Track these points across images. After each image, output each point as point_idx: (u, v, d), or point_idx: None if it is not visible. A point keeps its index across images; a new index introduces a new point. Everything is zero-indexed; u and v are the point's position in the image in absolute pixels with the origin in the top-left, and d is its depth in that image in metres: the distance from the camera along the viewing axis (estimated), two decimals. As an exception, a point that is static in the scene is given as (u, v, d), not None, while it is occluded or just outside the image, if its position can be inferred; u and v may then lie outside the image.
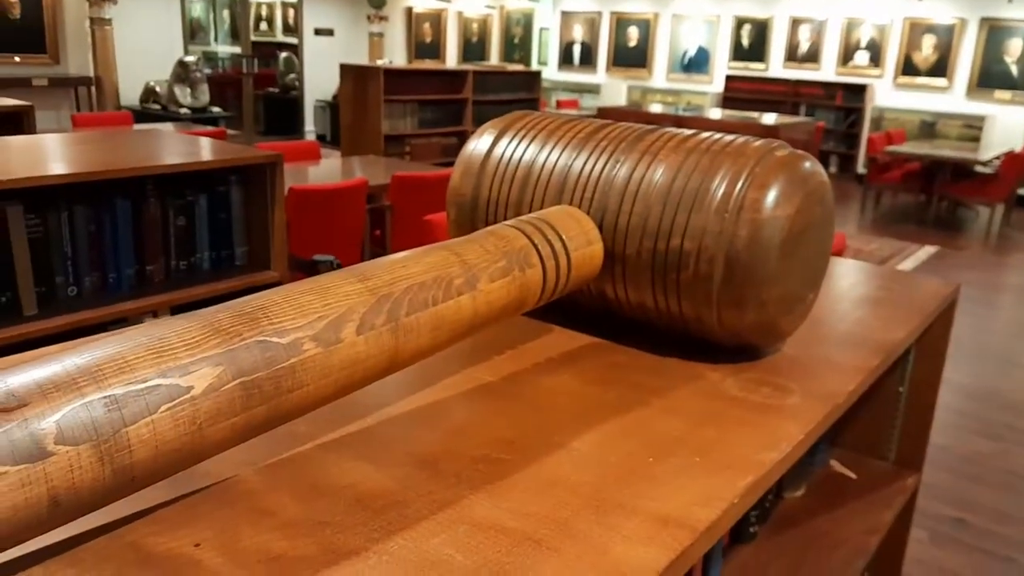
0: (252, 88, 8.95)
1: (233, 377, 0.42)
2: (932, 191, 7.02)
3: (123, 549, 0.41)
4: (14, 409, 0.36)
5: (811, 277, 0.71)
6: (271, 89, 10.18)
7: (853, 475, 1.11)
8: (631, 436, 0.56)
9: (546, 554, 0.42)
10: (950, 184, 6.99)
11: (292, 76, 10.03)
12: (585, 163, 0.72)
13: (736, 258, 0.63)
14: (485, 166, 0.77)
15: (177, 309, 1.74)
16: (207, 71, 8.40)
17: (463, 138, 7.24)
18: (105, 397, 0.38)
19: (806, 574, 0.91)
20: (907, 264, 5.87)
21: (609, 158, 0.71)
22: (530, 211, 0.73)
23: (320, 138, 9.94)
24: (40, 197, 1.51)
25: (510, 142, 0.77)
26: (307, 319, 0.46)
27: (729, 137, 0.69)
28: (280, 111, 10.19)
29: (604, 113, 7.28)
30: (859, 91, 8.85)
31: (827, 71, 9.00)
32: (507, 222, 0.64)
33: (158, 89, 7.94)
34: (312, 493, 0.47)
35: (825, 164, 8.45)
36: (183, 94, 8.11)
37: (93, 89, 7.39)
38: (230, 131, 7.15)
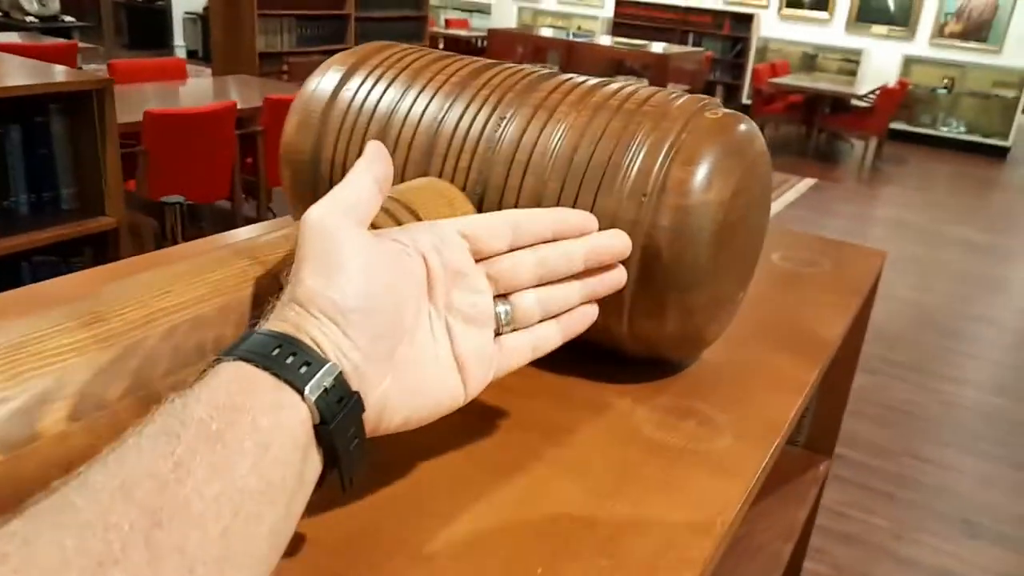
0: (109, -5, 8.13)
1: None
2: (812, 123, 7.16)
3: None
4: None
5: (744, 272, 0.56)
6: (133, -3, 9.29)
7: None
8: (518, 522, 0.40)
9: None
10: (829, 117, 7.14)
11: (155, -17, 9.17)
12: (461, 118, 0.54)
13: (655, 256, 0.47)
14: (328, 115, 0.58)
15: (-14, 264, 1.46)
16: (54, -26, 7.53)
17: (345, 58, 6.78)
18: None
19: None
20: (789, 196, 5.99)
21: (493, 112, 0.53)
22: (386, 181, 0.55)
23: (191, 54, 9.18)
24: None
25: (362, 83, 0.58)
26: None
27: (647, 90, 0.52)
28: (146, 23, 9.33)
29: (493, 35, 7.01)
30: (746, 20, 8.88)
31: (716, -1, 8.96)
32: (347, 206, 0.46)
33: (-5, -7, 7.08)
34: None
35: (712, 94, 8.48)
36: (28, 1, 7.28)
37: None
38: (85, 44, 6.45)
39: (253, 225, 0.85)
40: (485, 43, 7.63)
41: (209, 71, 6.19)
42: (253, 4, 6.12)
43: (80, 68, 4.35)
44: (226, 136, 3.48)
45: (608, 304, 0.49)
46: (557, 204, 0.49)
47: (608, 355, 0.56)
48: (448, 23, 9.54)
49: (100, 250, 1.56)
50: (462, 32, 9.09)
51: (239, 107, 3.53)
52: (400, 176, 0.55)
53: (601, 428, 0.49)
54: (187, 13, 9.10)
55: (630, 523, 0.40)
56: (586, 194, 0.48)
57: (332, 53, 0.65)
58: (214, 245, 0.75)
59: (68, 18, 7.43)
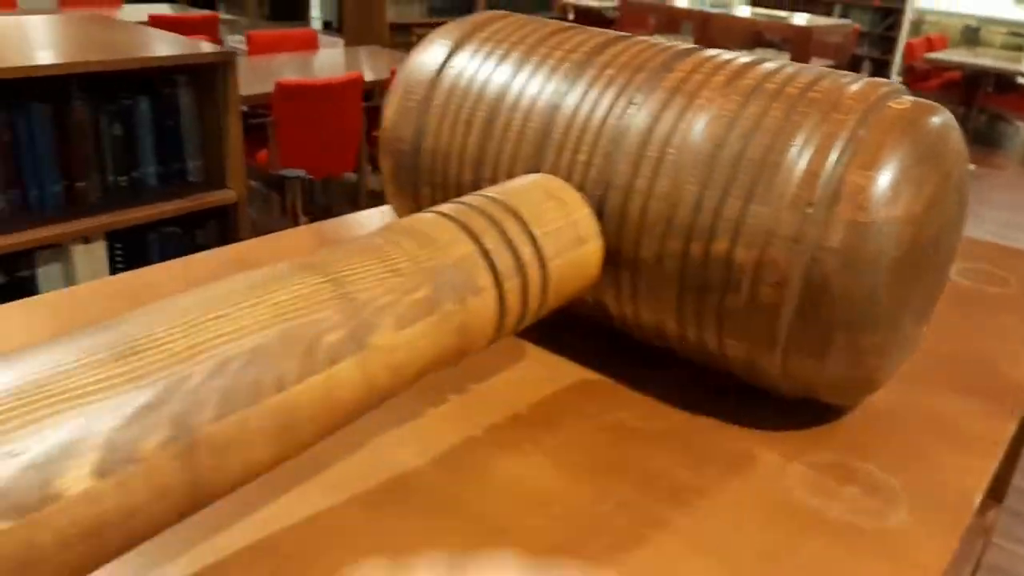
0: (252, -31, 8.44)
1: None
2: (972, 103, 6.57)
3: None
4: None
5: (929, 303, 0.46)
6: (273, -30, 9.61)
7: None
8: (631, 607, 0.32)
9: None
10: (992, 96, 6.54)
11: (295, -44, 9.45)
12: (581, 102, 0.46)
13: (822, 285, 0.38)
14: (431, 98, 0.51)
15: (116, 233, 1.50)
16: (201, -51, 7.87)
17: (474, 30, 6.75)
18: None
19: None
20: (940, 181, 5.51)
21: (619, 95, 0.45)
22: (493, 176, 0.48)
23: (326, 25, 9.45)
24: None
25: (470, 60, 0.51)
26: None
27: (813, 72, 0.42)
28: (285, -6, 9.64)
29: (626, 5, 6.79)
30: (901, -10, 8.21)
31: (867, -33, 8.35)
32: (438, 208, 0.39)
33: (147, -33, 7.44)
34: None
35: (857, 70, 7.93)
36: (178, -27, 7.63)
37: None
38: (228, 16, 6.72)
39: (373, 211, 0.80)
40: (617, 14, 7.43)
41: (341, 42, 6.32)
42: (385, -25, 6.17)
43: (221, 39, 4.51)
44: (353, 108, 3.51)
45: (759, 334, 0.40)
46: (696, 210, 0.40)
47: (748, 390, 0.47)
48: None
49: (223, 223, 1.58)
50: (593, 2, 8.89)
51: (368, 79, 3.55)
52: (508, 172, 0.47)
53: (743, 489, 0.40)
54: (324, -15, 9.34)
55: (776, 633, 0.32)
56: (734, 200, 0.39)
57: (448, 25, 0.58)
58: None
59: (215, -9, 7.75)
